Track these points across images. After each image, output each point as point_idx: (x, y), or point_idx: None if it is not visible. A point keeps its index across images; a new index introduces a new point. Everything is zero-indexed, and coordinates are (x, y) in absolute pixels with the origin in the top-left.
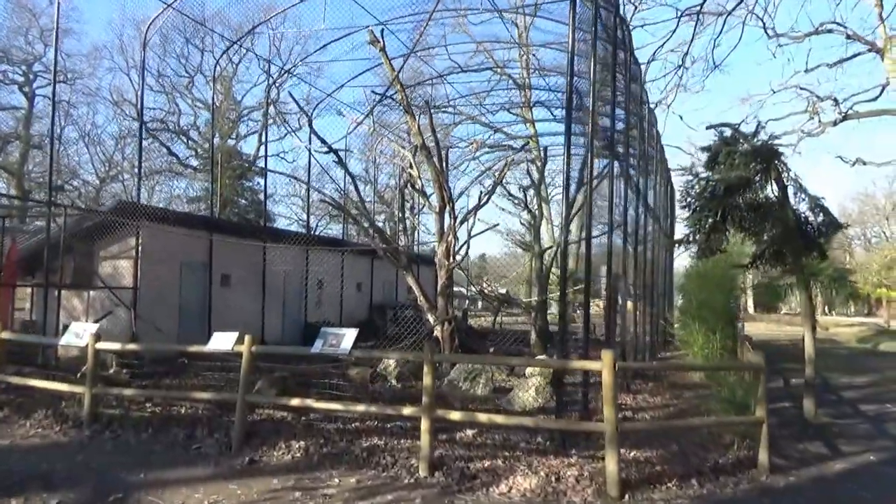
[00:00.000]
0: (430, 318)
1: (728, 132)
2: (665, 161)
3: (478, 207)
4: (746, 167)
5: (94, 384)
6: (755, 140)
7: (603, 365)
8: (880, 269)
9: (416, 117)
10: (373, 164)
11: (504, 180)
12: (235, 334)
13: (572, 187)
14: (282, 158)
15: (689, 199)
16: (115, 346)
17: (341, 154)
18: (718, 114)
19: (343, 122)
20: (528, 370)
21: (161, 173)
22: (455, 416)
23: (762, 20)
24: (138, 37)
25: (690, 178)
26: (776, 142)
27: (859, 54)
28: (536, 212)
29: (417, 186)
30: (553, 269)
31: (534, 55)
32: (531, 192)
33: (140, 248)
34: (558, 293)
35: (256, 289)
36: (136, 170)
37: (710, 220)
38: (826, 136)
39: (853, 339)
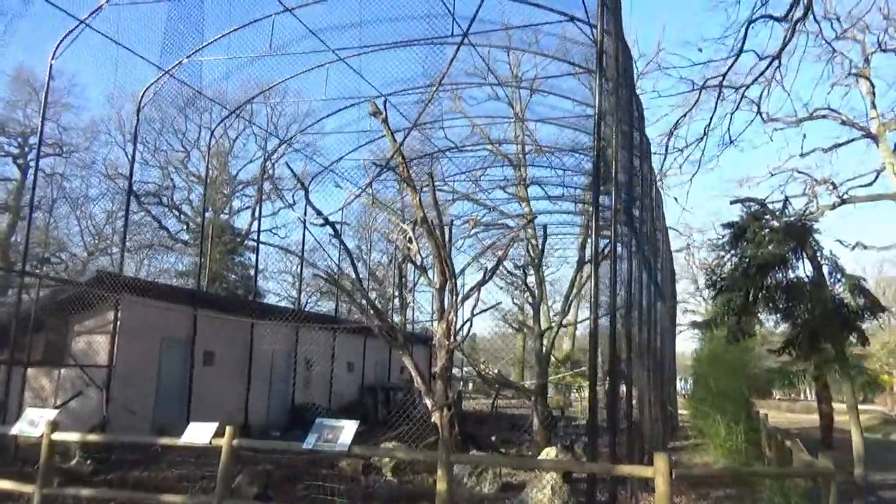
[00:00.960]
0: (428, 402)
1: (752, 207)
2: (668, 242)
3: (482, 283)
4: (779, 244)
5: (46, 482)
6: (784, 216)
7: (656, 471)
8: (882, 356)
9: (418, 190)
10: (366, 241)
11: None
12: (214, 425)
13: (590, 254)
14: (274, 234)
15: (715, 279)
16: (75, 436)
17: (337, 227)
18: (711, 198)
19: (339, 196)
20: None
21: (151, 247)
22: None
23: (757, 104)
24: (135, 108)
25: (717, 255)
26: (808, 218)
27: (853, 140)
28: (536, 291)
29: (417, 262)
30: (553, 350)
31: (528, 136)
32: (529, 270)
33: (118, 322)
34: (558, 375)
35: (242, 367)
36: (123, 239)
37: (739, 301)
38: (823, 219)
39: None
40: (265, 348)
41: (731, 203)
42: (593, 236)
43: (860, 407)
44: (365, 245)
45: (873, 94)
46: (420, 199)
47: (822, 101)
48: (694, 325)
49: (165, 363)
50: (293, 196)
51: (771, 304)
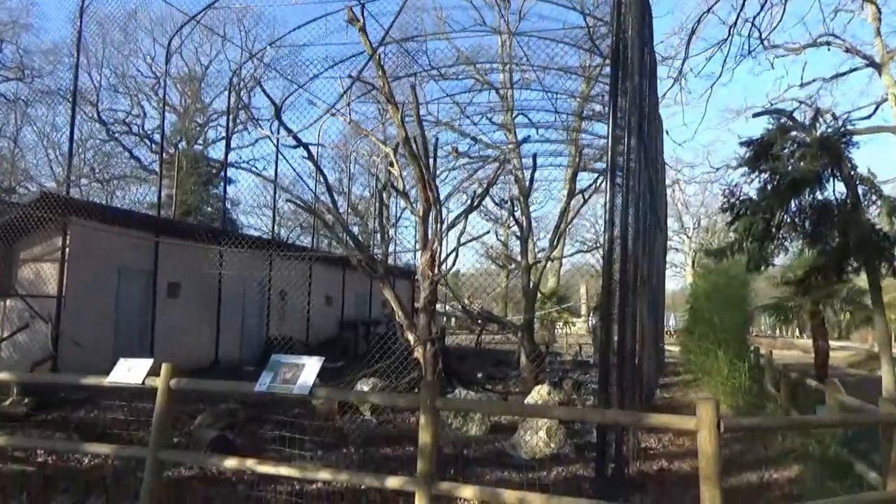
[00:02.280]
0: (410, 337)
1: (781, 119)
2: (665, 171)
3: (470, 210)
4: (813, 160)
5: None
6: (814, 130)
7: (700, 423)
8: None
9: (399, 108)
10: (346, 174)
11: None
12: (148, 363)
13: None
14: (251, 167)
15: (733, 202)
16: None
17: (312, 151)
18: (708, 130)
19: (316, 123)
20: (529, 399)
21: (123, 178)
22: (467, 492)
23: (759, 30)
24: (100, 33)
25: (736, 178)
26: (847, 132)
27: (857, 69)
28: (524, 223)
29: (399, 187)
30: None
31: (517, 64)
32: (516, 205)
33: (67, 249)
34: (544, 311)
35: (210, 300)
36: (69, 153)
37: (761, 226)
38: None
39: (844, 364)
40: (236, 279)
41: (754, 116)
42: (610, 137)
43: (839, 344)
44: (346, 178)
45: (879, 20)
46: (402, 118)
47: (824, 30)
48: (707, 253)
49: (124, 295)
50: (270, 126)
51: (798, 229)
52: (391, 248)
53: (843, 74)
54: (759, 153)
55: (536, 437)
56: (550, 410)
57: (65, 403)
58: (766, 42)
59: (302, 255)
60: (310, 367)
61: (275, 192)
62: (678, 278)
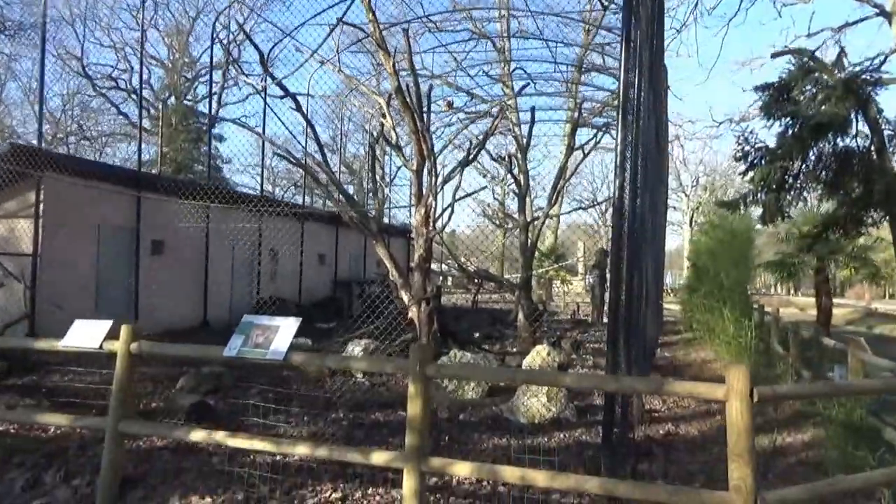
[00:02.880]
0: (405, 296)
1: (803, 60)
2: (667, 123)
3: (466, 163)
4: (839, 102)
5: None
6: (838, 71)
7: (730, 391)
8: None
9: (392, 54)
10: (340, 131)
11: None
12: (107, 325)
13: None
14: (241, 122)
15: (747, 150)
16: None
17: (302, 103)
18: (703, 85)
19: (307, 78)
20: (528, 360)
21: (111, 135)
22: (462, 469)
23: None
24: None
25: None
26: (873, 71)
27: (866, 18)
28: (521, 180)
29: (391, 139)
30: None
31: (514, 17)
32: (513, 160)
33: (41, 205)
34: (542, 269)
35: (198, 259)
36: (39, 100)
37: (777, 175)
38: None
39: (842, 321)
40: (224, 238)
41: (773, 57)
42: (622, 70)
43: (835, 300)
44: (340, 135)
45: None
46: (394, 65)
47: None
48: (720, 205)
49: (105, 253)
50: (262, 80)
51: (818, 178)
52: (386, 206)
53: (852, 24)
54: (777, 97)
55: (536, 401)
56: (558, 377)
57: (37, 367)
58: None
59: (292, 211)
60: (285, 330)
61: (262, 147)
62: (675, 237)
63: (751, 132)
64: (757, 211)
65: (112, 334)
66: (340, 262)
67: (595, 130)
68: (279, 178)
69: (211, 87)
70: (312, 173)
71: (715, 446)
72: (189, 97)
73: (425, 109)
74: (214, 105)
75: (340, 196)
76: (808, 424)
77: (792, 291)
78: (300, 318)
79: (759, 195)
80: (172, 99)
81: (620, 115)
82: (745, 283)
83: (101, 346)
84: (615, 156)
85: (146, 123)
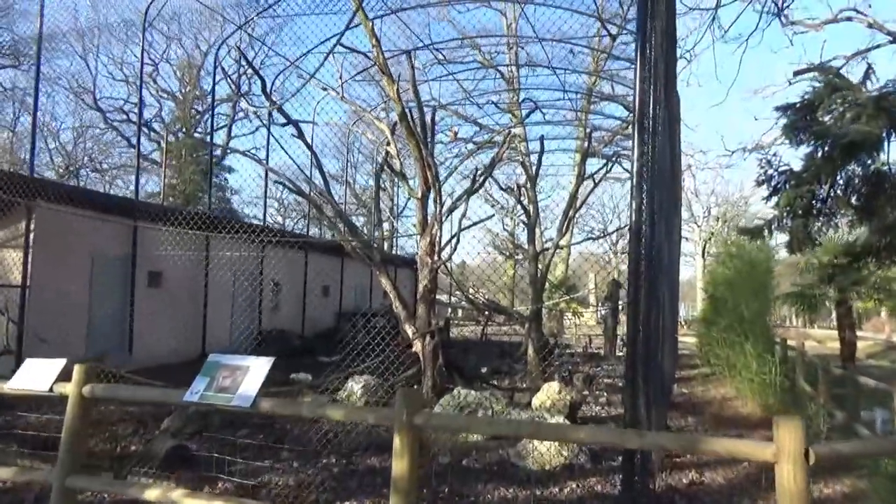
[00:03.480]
0: (409, 329)
1: (828, 77)
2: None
3: (472, 190)
4: (871, 120)
5: None
6: (866, 89)
7: (780, 450)
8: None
9: (396, 80)
10: (346, 159)
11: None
12: (60, 363)
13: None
14: (243, 153)
15: (770, 174)
16: None
17: (310, 133)
18: (715, 113)
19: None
20: (538, 398)
21: (121, 168)
22: None
23: (777, 5)
24: (95, 18)
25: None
26: None
27: (879, 46)
28: (530, 209)
29: (396, 167)
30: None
31: (522, 48)
32: (522, 190)
33: (32, 234)
34: (553, 301)
35: (196, 290)
36: (32, 129)
37: (805, 200)
38: None
39: (863, 355)
40: (225, 269)
41: (795, 74)
42: (637, 76)
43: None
44: (348, 167)
45: None
46: (398, 91)
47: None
48: (743, 231)
49: (99, 284)
50: (270, 116)
51: (848, 202)
52: (392, 236)
53: (864, 52)
54: (802, 117)
55: (546, 445)
56: (571, 432)
57: (6, 408)
58: (784, 18)
59: (289, 241)
60: (255, 372)
61: (266, 176)
62: (687, 268)
63: (773, 155)
64: (782, 238)
65: (67, 375)
66: (345, 294)
67: (605, 160)
68: (290, 210)
69: (213, 113)
70: (314, 201)
71: (744, 498)
72: (199, 130)
73: (430, 137)
74: (224, 137)
75: (340, 221)
76: (847, 474)
77: (807, 324)
78: (272, 359)
79: (784, 221)
80: (180, 131)
81: (636, 130)
82: (765, 316)
83: (51, 389)
84: (631, 175)
85: (156, 156)
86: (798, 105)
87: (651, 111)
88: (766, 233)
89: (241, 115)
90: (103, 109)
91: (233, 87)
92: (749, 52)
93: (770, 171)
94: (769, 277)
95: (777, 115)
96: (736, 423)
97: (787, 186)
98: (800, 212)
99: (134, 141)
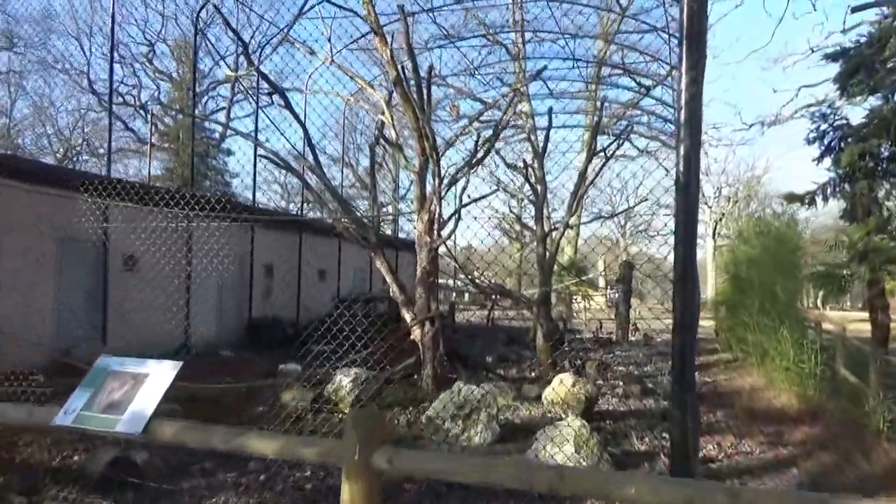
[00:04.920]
0: (407, 315)
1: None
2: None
3: (474, 162)
4: None
5: None
6: None
7: None
8: None
9: (389, 40)
10: (342, 134)
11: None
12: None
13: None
14: (238, 132)
15: (825, 130)
16: None
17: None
18: (736, 84)
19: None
20: (550, 391)
21: (119, 151)
22: None
23: None
24: None
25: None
26: None
27: None
28: (539, 187)
29: (391, 137)
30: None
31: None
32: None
33: None
34: (563, 283)
35: (178, 275)
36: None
37: (867, 160)
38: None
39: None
40: (211, 252)
41: (854, 11)
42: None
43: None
44: (352, 149)
45: None
46: (391, 53)
47: None
48: (790, 198)
49: (67, 270)
50: (271, 97)
51: None
52: (388, 215)
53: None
54: (859, 63)
55: (561, 450)
56: (614, 485)
57: None
58: None
59: (276, 220)
60: (153, 383)
61: (255, 152)
62: (699, 250)
63: (829, 107)
64: (833, 206)
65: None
66: (343, 277)
67: (615, 137)
68: (295, 195)
69: (195, 81)
70: (302, 176)
71: None
72: (197, 112)
73: (427, 102)
74: (223, 117)
75: (331, 195)
76: None
77: (822, 305)
78: (180, 364)
79: (841, 185)
80: (178, 113)
81: (685, 47)
82: (798, 298)
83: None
84: (676, 109)
85: (154, 139)
86: (856, 48)
87: (699, 24)
88: (820, 199)
89: (239, 96)
90: (98, 92)
91: (232, 36)
92: (767, 21)
93: (824, 127)
94: (797, 256)
95: (827, 65)
96: (771, 418)
97: (840, 146)
98: (861, 173)
99: (132, 125)
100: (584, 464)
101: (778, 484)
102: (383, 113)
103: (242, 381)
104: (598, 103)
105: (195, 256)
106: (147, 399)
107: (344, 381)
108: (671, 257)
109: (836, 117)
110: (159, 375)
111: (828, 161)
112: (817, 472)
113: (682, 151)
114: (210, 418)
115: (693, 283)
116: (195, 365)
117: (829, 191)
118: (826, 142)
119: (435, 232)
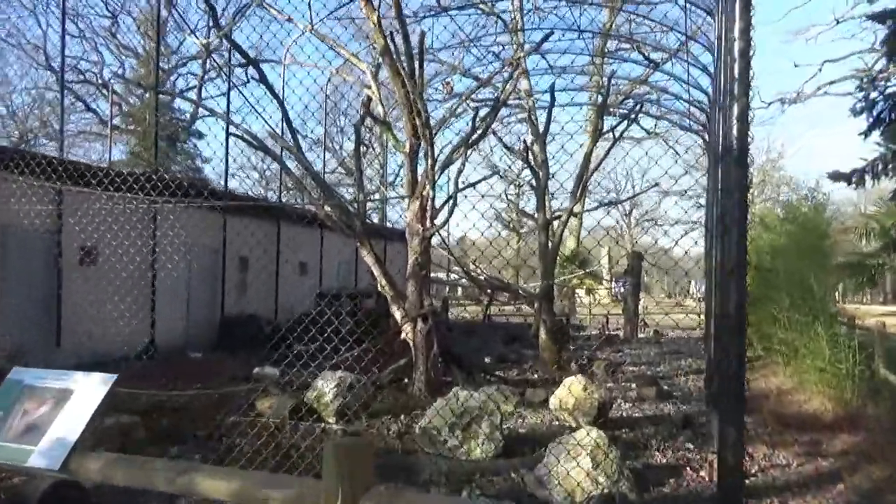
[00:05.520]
0: (397, 312)
1: None
2: None
3: (471, 142)
4: None
5: None
6: None
7: None
8: None
9: (376, 8)
10: (325, 107)
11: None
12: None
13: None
14: (223, 118)
15: (875, 97)
16: None
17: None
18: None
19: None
20: (558, 398)
21: (81, 134)
22: None
23: None
24: None
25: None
26: None
27: None
28: (540, 172)
29: (378, 115)
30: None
31: None
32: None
33: None
34: (566, 276)
35: (142, 268)
36: None
37: None
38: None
39: None
40: (178, 243)
41: None
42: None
43: (889, 308)
44: (336, 131)
45: None
46: (378, 19)
47: None
48: (836, 177)
49: (15, 264)
50: (247, 73)
51: None
52: (376, 200)
53: None
54: None
55: (576, 465)
56: None
57: None
58: None
59: (250, 205)
60: (79, 402)
61: (227, 132)
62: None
63: (880, 72)
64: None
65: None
66: (326, 271)
67: (621, 119)
68: (273, 181)
69: (159, 46)
70: (277, 158)
71: None
72: (166, 89)
73: (420, 70)
74: (194, 96)
75: (318, 189)
76: None
77: (840, 297)
78: (115, 377)
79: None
80: (144, 93)
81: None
82: (833, 291)
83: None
84: (718, 65)
85: (117, 121)
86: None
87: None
88: (868, 178)
89: (212, 73)
90: (56, 70)
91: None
92: None
93: (874, 95)
94: (824, 244)
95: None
96: (805, 424)
97: (893, 116)
98: None
99: (94, 105)
100: (603, 483)
101: (821, 500)
102: (370, 87)
103: (213, 386)
104: (606, 79)
105: (160, 246)
106: (70, 423)
107: (326, 387)
108: (695, 249)
109: (889, 85)
110: (87, 392)
111: (876, 135)
112: (868, 488)
113: (735, 111)
114: (174, 431)
115: (744, 275)
116: (160, 368)
117: (879, 167)
118: (875, 112)
119: (427, 220)
